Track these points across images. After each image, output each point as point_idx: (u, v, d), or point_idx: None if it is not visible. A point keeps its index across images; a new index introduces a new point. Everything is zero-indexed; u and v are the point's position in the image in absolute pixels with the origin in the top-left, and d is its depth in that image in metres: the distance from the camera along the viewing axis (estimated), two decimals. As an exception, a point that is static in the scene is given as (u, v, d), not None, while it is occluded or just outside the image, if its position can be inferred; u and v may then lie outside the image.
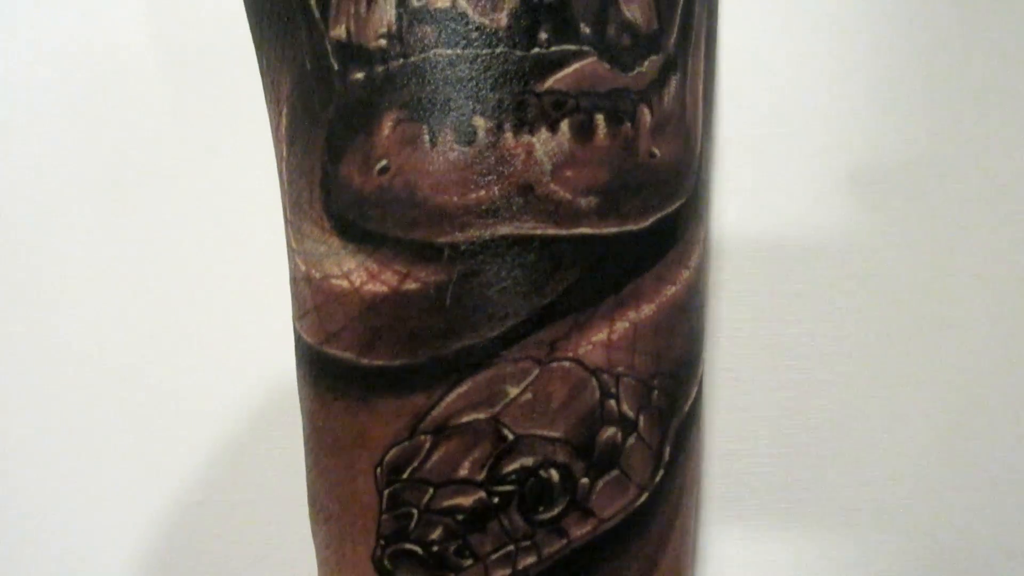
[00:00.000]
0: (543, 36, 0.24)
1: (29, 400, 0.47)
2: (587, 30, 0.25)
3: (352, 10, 0.25)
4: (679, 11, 0.27)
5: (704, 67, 0.29)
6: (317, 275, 0.26)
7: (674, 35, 0.27)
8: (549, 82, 0.24)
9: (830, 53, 0.41)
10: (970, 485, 0.46)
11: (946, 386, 0.45)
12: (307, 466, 0.28)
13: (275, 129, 0.28)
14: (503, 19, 0.24)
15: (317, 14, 0.25)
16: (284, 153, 0.28)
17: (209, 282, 0.44)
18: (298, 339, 0.28)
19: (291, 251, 0.28)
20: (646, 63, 0.26)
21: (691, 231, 0.28)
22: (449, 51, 0.24)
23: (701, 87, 0.28)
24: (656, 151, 0.26)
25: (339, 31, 0.25)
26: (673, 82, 0.27)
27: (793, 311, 0.44)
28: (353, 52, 0.25)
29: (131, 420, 0.47)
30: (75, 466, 0.48)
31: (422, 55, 0.24)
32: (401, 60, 0.24)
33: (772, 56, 0.40)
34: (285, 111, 0.27)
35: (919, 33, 0.41)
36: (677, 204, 0.27)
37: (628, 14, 0.25)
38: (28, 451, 0.48)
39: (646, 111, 0.26)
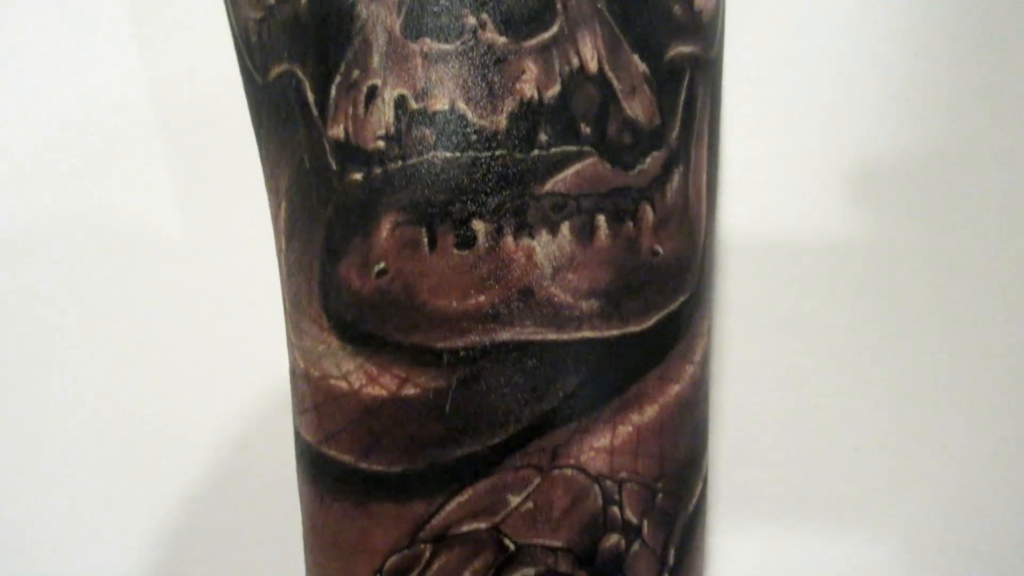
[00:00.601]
0: (543, 138, 0.24)
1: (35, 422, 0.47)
2: (587, 130, 0.24)
3: (350, 110, 0.24)
4: (681, 102, 0.26)
5: (708, 155, 0.28)
6: (316, 373, 0.26)
7: (676, 128, 0.26)
8: (549, 184, 0.24)
9: (831, 58, 0.41)
10: (974, 486, 0.45)
11: (949, 388, 0.44)
12: (306, 564, 0.28)
13: (274, 218, 0.28)
14: (502, 121, 0.24)
15: (316, 112, 0.25)
16: (283, 245, 0.27)
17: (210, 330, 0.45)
18: (297, 435, 0.28)
19: (290, 345, 0.28)
20: (648, 160, 0.25)
21: (695, 325, 0.27)
22: (448, 154, 0.24)
23: (704, 177, 0.28)
24: (659, 248, 0.26)
25: (337, 131, 0.25)
26: (676, 176, 0.26)
27: (796, 313, 0.44)
28: (351, 152, 0.24)
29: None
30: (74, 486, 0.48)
31: (421, 157, 0.24)
32: (400, 162, 0.24)
33: (772, 60, 0.40)
34: (284, 205, 0.27)
35: (921, 37, 0.41)
36: (680, 300, 0.26)
37: (629, 111, 0.25)
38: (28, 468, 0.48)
39: (648, 209, 0.25)
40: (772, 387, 0.45)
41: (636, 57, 0.25)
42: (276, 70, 0.26)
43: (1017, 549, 0.46)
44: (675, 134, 0.26)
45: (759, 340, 0.44)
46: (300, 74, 0.25)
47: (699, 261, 0.27)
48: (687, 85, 0.27)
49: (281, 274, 0.28)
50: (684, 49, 0.26)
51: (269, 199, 0.28)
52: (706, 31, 0.27)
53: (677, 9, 0.26)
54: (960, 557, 0.46)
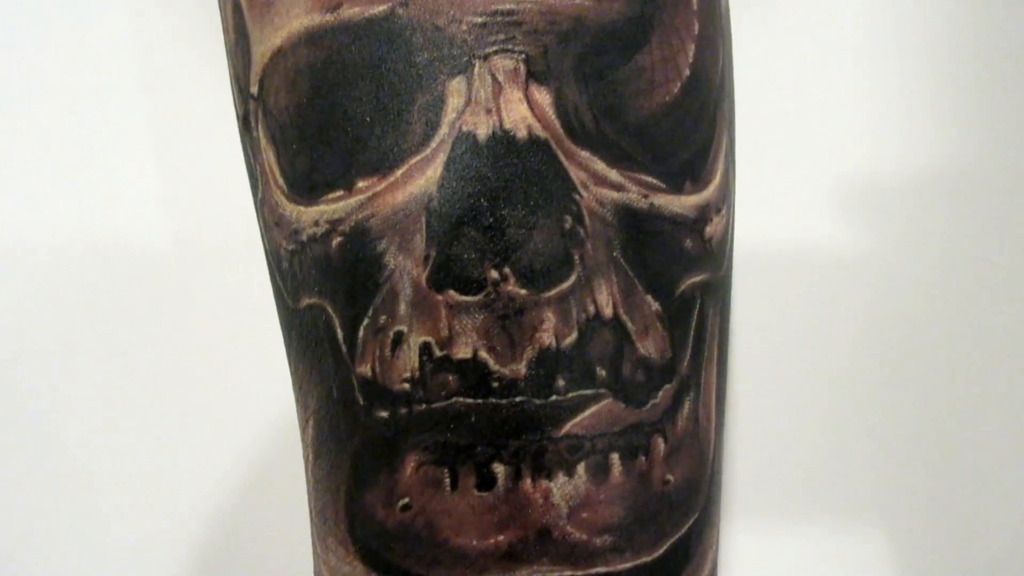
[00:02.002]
0: (560, 384, 0.25)
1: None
2: (603, 373, 0.26)
3: (377, 352, 0.26)
4: (692, 331, 0.28)
5: (717, 371, 0.30)
6: None
7: (687, 357, 0.27)
8: (566, 428, 0.25)
9: (836, 73, 0.42)
10: (975, 489, 0.46)
11: (952, 395, 0.45)
12: None
13: (302, 429, 0.29)
14: (522, 369, 0.25)
15: (344, 349, 0.26)
16: (310, 459, 0.29)
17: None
18: None
19: (316, 553, 0.29)
20: (660, 393, 0.27)
21: (704, 540, 0.28)
22: (470, 400, 0.25)
23: (714, 394, 0.29)
24: (670, 477, 0.27)
25: (365, 369, 0.26)
26: (687, 404, 0.27)
27: (799, 320, 0.44)
28: (378, 391, 0.26)
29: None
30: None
31: (444, 402, 0.25)
32: (424, 405, 0.25)
33: (779, 74, 0.41)
34: (312, 423, 0.28)
35: (925, 46, 0.42)
36: (690, 523, 0.27)
37: (643, 351, 0.26)
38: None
39: (660, 441, 0.26)
40: (774, 390, 0.45)
41: (649, 297, 0.26)
42: (306, 301, 0.27)
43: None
44: (686, 363, 0.27)
45: (762, 346, 0.44)
46: (330, 310, 0.27)
47: (709, 478, 0.29)
48: (698, 312, 0.28)
49: (308, 483, 0.29)
50: (695, 279, 0.28)
51: (297, 407, 0.30)
52: (716, 256, 0.29)
53: (689, 243, 0.28)
54: (961, 559, 0.47)
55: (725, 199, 0.29)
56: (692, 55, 0.28)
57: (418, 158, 0.25)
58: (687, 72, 0.28)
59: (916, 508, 0.48)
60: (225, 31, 0.30)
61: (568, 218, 0.25)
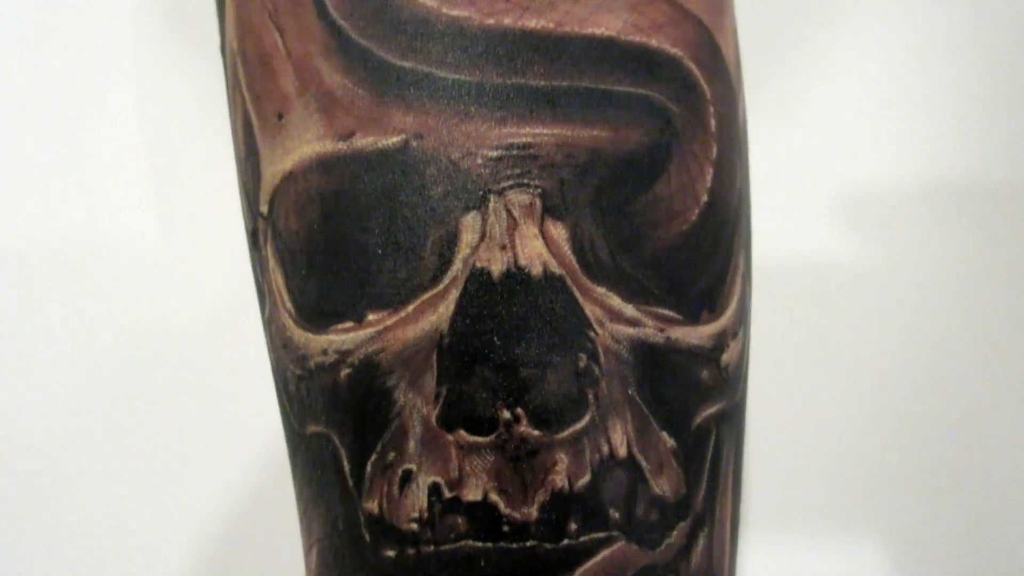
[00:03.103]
0: (573, 527, 0.24)
1: None
2: (616, 515, 0.25)
3: (385, 489, 0.25)
4: (707, 464, 0.27)
5: (732, 497, 0.29)
6: None
7: (702, 491, 0.27)
8: (577, 572, 0.24)
9: (843, 84, 0.42)
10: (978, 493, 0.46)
11: (954, 400, 0.45)
12: None
13: (305, 553, 0.29)
14: (533, 512, 0.24)
15: (351, 482, 0.26)
16: None
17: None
18: None
19: None
20: (674, 533, 0.26)
21: None
22: (480, 543, 0.24)
23: (729, 524, 0.29)
24: None
25: (372, 505, 0.25)
26: (701, 539, 0.27)
27: (805, 330, 0.44)
28: (385, 529, 0.25)
29: None
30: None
31: (453, 544, 0.24)
32: (432, 547, 0.25)
33: (787, 82, 0.41)
34: (316, 551, 0.28)
35: (930, 56, 0.42)
36: None
37: (657, 489, 0.25)
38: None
39: None
40: (777, 399, 0.45)
41: (664, 434, 0.26)
42: (313, 428, 0.27)
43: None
44: (701, 497, 0.27)
45: (766, 357, 0.44)
46: (337, 441, 0.26)
47: None
48: (713, 444, 0.27)
49: None
50: (711, 410, 0.27)
51: (301, 528, 0.29)
52: (732, 382, 0.28)
53: (705, 374, 0.27)
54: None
55: (741, 322, 0.29)
56: (710, 180, 0.27)
57: (430, 294, 0.25)
58: (705, 198, 0.27)
59: (921, 520, 0.48)
60: (235, 141, 0.29)
61: (583, 356, 0.25)
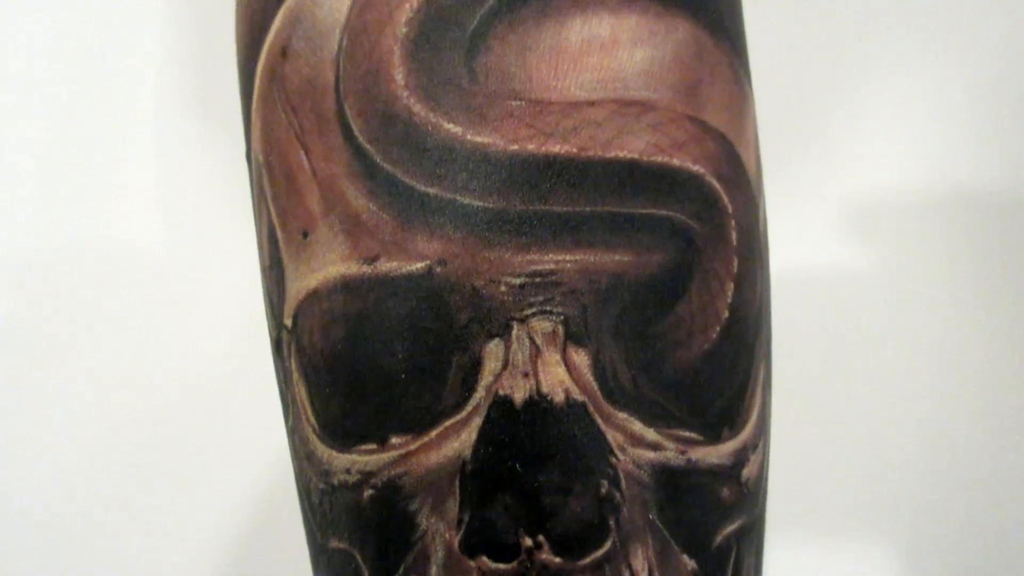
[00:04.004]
0: None
1: None
2: None
3: None
4: None
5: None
6: None
7: None
8: None
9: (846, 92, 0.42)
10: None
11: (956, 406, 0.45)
12: None
13: None
14: None
15: None
16: None
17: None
18: None
19: None
20: None
21: None
22: None
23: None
24: None
25: None
26: None
27: (808, 338, 0.44)
28: None
29: None
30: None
31: None
32: None
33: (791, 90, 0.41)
34: None
35: (934, 63, 0.42)
36: None
37: None
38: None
39: None
40: (785, 401, 0.46)
41: (685, 556, 0.26)
42: (335, 543, 0.27)
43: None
44: None
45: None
46: (359, 559, 0.26)
47: None
48: (733, 561, 0.27)
49: None
50: (731, 528, 0.27)
51: None
52: (752, 496, 0.28)
53: (725, 491, 0.27)
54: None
55: (762, 433, 0.29)
56: (731, 296, 0.27)
57: (453, 420, 0.25)
58: (726, 315, 0.27)
59: (926, 524, 0.48)
60: (260, 249, 0.30)
61: (604, 483, 0.25)
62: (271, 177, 0.28)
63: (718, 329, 0.27)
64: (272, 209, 0.28)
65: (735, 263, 0.28)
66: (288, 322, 0.28)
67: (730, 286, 0.27)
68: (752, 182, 0.29)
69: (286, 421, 0.29)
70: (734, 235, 0.28)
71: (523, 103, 0.25)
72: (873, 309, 0.47)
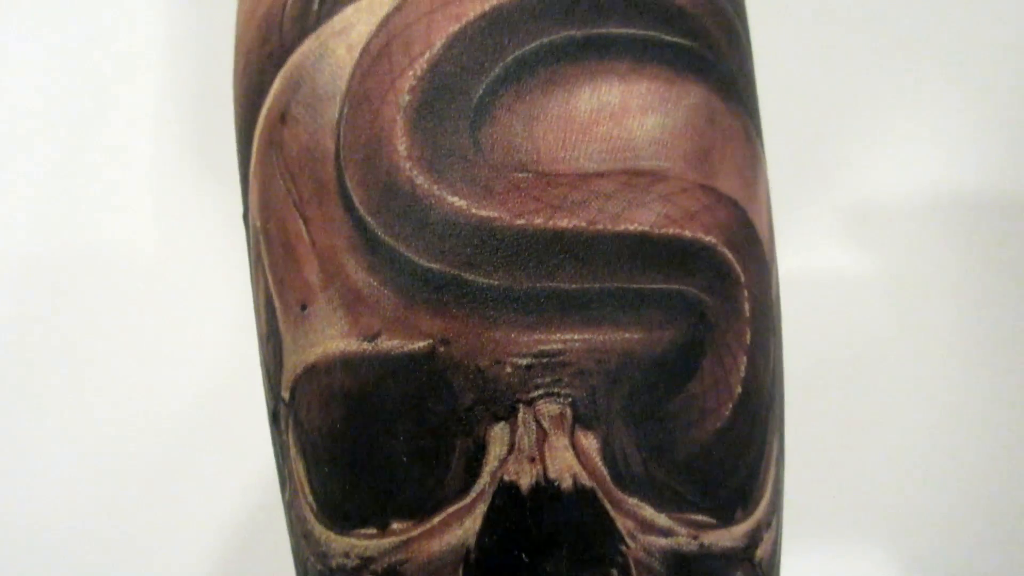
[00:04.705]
0: None
1: None
2: None
3: None
4: None
5: None
6: None
7: None
8: None
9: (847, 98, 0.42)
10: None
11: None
12: None
13: None
14: None
15: None
16: None
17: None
18: None
19: None
20: None
21: None
22: None
23: None
24: None
25: None
26: None
27: (810, 342, 0.44)
28: None
29: None
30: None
31: None
32: None
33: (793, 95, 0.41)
34: None
35: (938, 68, 0.42)
36: None
37: None
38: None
39: None
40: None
41: None
42: None
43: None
44: None
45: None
46: None
47: None
48: None
49: None
50: None
51: None
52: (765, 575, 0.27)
53: (739, 575, 0.26)
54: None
55: (775, 510, 0.28)
56: (744, 369, 0.26)
57: (457, 507, 0.24)
58: (739, 389, 0.26)
59: (927, 529, 0.47)
60: (257, 317, 0.29)
61: (615, 571, 0.24)
62: (268, 245, 0.27)
63: (731, 406, 0.26)
64: (270, 278, 0.27)
65: (748, 335, 0.27)
66: (286, 395, 0.27)
67: (743, 360, 0.26)
68: (765, 247, 0.28)
69: (283, 494, 0.28)
70: (747, 306, 0.27)
71: (530, 175, 0.24)
72: (876, 314, 0.47)
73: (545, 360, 0.24)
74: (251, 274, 0.29)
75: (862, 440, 0.47)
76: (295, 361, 0.26)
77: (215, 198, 0.49)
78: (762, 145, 0.30)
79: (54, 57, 0.49)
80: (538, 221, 0.24)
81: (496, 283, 0.24)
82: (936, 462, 0.47)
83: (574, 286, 0.24)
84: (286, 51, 0.26)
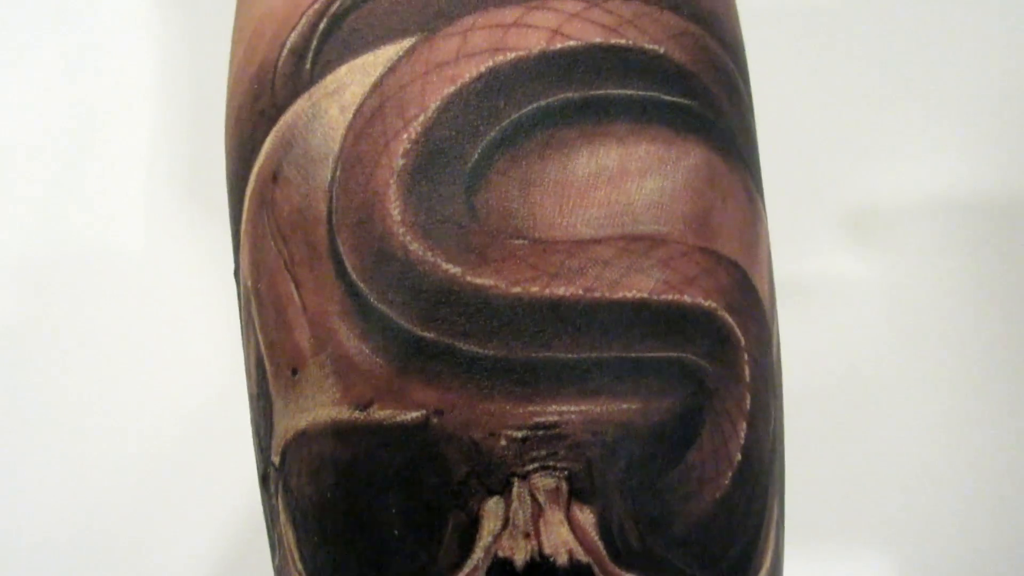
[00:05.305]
0: None
1: None
2: None
3: None
4: None
5: None
6: None
7: None
8: None
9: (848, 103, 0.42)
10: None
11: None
12: None
13: None
14: None
15: None
16: None
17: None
18: None
19: None
20: None
21: None
22: None
23: None
24: None
25: None
26: None
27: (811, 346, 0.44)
28: None
29: None
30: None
31: None
32: None
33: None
34: None
35: (939, 71, 0.42)
36: None
37: None
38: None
39: None
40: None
41: None
42: None
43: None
44: None
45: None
46: None
47: None
48: None
49: None
50: None
51: None
52: None
53: None
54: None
55: (775, 571, 0.27)
56: (743, 436, 0.26)
57: None
58: (738, 457, 0.26)
59: (927, 532, 0.47)
60: (248, 377, 0.28)
61: None
62: (259, 305, 0.26)
63: (730, 475, 0.25)
64: (260, 339, 0.27)
65: (748, 400, 0.26)
66: (276, 459, 0.26)
67: (743, 426, 0.26)
68: (766, 308, 0.28)
69: (273, 559, 0.28)
70: (747, 370, 0.26)
71: (526, 242, 0.23)
72: (877, 319, 0.46)
73: (540, 432, 0.23)
74: (242, 332, 0.29)
75: (862, 446, 0.47)
76: (286, 426, 0.26)
77: (212, 200, 0.48)
78: (762, 200, 0.29)
79: (51, 80, 0.49)
80: (534, 289, 0.23)
81: (491, 353, 0.23)
82: (939, 468, 0.47)
83: (571, 356, 0.23)
84: (278, 109, 0.26)
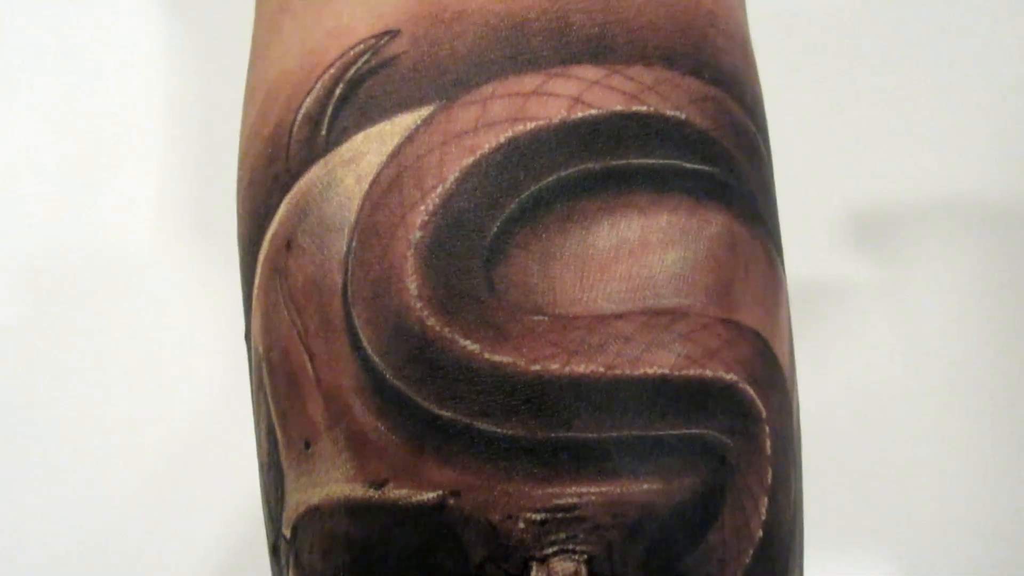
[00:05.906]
0: None
1: None
2: None
3: None
4: None
5: None
6: None
7: None
8: None
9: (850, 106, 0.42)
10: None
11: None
12: None
13: None
14: None
15: None
16: None
17: None
18: None
19: None
20: None
21: None
22: None
23: None
24: None
25: None
26: None
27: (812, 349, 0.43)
28: None
29: None
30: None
31: None
32: None
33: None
34: None
35: (938, 74, 0.42)
36: None
37: None
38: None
39: None
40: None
41: None
42: None
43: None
44: None
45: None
46: None
47: None
48: None
49: None
50: None
51: None
52: None
53: None
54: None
55: None
56: (765, 512, 0.25)
57: None
58: (760, 534, 0.25)
59: (928, 534, 0.47)
60: (258, 445, 0.28)
61: None
62: (271, 374, 0.26)
63: (751, 552, 0.25)
64: (272, 408, 0.26)
65: (769, 474, 0.26)
66: (287, 532, 0.26)
67: (764, 501, 0.25)
68: (786, 376, 0.27)
69: None
70: (768, 443, 0.26)
71: (546, 318, 0.23)
72: (879, 322, 0.46)
73: (560, 515, 0.23)
74: (252, 398, 0.28)
75: (866, 450, 0.47)
76: (298, 499, 0.25)
77: (220, 208, 0.48)
78: (782, 263, 0.29)
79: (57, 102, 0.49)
80: (554, 367, 0.23)
81: (510, 433, 0.23)
82: (944, 473, 0.47)
83: (591, 435, 0.23)
84: (293, 176, 0.25)
